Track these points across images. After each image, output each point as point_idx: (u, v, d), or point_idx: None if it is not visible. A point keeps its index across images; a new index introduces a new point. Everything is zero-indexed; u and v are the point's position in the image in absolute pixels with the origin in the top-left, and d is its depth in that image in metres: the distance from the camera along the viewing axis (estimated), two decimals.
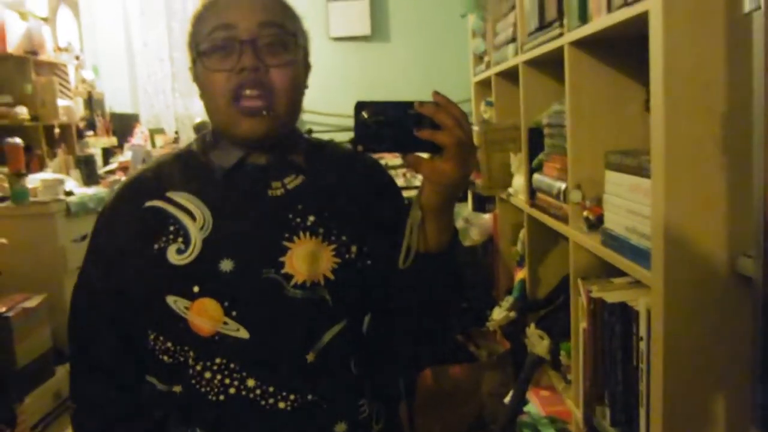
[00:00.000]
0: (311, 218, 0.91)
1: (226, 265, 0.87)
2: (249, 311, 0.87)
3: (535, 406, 1.85)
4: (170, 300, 0.87)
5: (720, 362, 0.98)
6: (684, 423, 1.00)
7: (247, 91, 0.86)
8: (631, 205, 1.10)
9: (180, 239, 0.89)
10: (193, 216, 0.90)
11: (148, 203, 0.92)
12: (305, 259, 0.89)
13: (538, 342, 1.67)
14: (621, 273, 1.22)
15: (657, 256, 0.97)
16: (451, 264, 0.87)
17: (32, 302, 2.20)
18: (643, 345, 1.07)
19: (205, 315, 0.87)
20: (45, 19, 3.59)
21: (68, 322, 0.98)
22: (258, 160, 0.93)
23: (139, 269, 0.90)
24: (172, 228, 0.89)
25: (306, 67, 0.96)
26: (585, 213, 1.35)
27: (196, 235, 0.89)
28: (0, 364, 2.01)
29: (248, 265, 0.88)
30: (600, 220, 1.29)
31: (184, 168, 0.95)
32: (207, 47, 0.88)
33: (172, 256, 0.88)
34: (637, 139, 1.33)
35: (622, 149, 1.21)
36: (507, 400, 1.88)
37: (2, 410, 1.96)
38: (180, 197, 0.91)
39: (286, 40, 0.89)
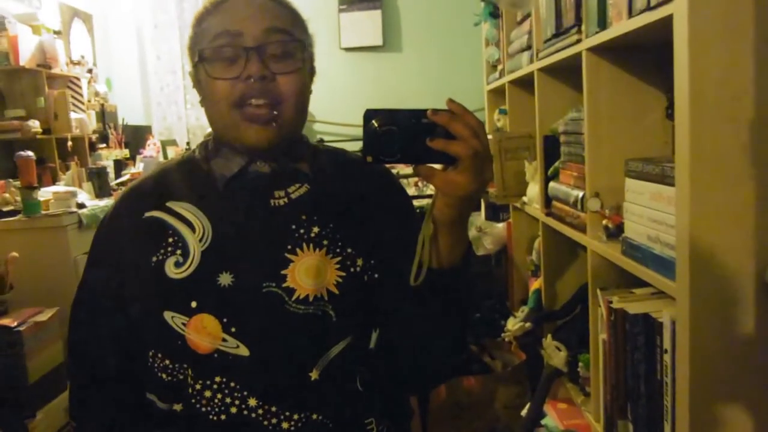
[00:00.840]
0: (315, 229, 0.88)
1: (225, 278, 0.84)
2: (249, 327, 0.84)
3: (552, 419, 1.81)
4: (168, 316, 0.85)
5: (748, 375, 0.95)
6: None
7: (253, 101, 0.83)
8: (653, 213, 1.07)
9: (179, 251, 0.86)
10: (193, 227, 0.87)
11: (148, 214, 0.89)
12: (308, 273, 0.85)
13: (555, 353, 1.64)
14: (640, 283, 1.19)
15: (682, 266, 0.94)
16: (464, 279, 0.83)
17: (44, 316, 2.19)
18: (667, 358, 1.04)
19: (203, 332, 0.84)
20: (58, 33, 3.62)
21: (67, 338, 0.95)
22: (261, 168, 0.90)
23: (137, 283, 0.87)
24: (171, 240, 0.87)
25: (311, 73, 0.93)
26: (604, 221, 1.32)
27: (195, 247, 0.86)
28: (11, 379, 1.99)
29: (248, 279, 0.85)
30: (620, 228, 1.26)
31: (185, 176, 0.92)
32: (210, 54, 0.85)
33: (170, 270, 0.85)
34: (657, 147, 1.31)
35: (642, 157, 1.18)
36: (523, 412, 1.84)
37: (14, 426, 1.95)
38: (180, 207, 0.89)
39: (293, 47, 0.87)
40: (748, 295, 0.92)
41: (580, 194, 1.44)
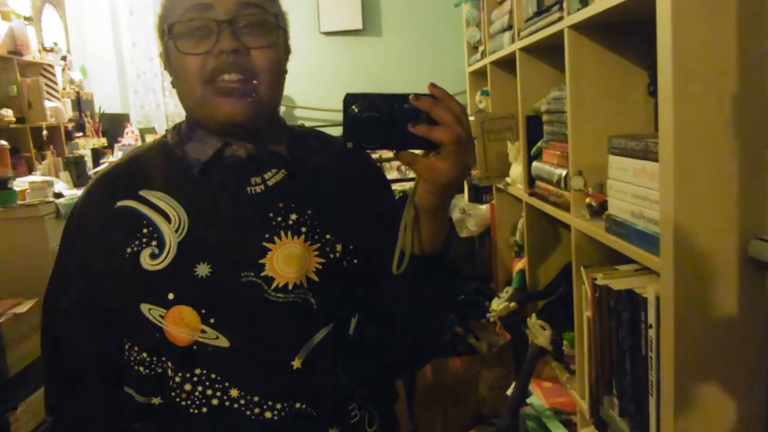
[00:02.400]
0: (293, 217, 0.86)
1: (203, 269, 0.82)
2: (228, 318, 0.82)
3: (538, 398, 1.83)
4: (144, 308, 0.82)
5: (732, 348, 0.96)
6: (695, 412, 0.98)
7: (226, 76, 0.81)
8: (637, 189, 1.07)
9: (154, 242, 0.83)
10: (168, 217, 0.84)
11: (120, 203, 0.86)
12: (287, 261, 0.83)
13: (539, 333, 1.65)
14: (623, 260, 1.20)
15: (666, 241, 0.95)
16: (445, 264, 0.82)
17: (23, 307, 2.16)
18: (652, 333, 1.04)
19: (181, 324, 0.81)
20: (29, 19, 3.53)
21: (41, 331, 0.93)
22: (237, 151, 0.88)
23: (111, 275, 0.85)
24: (145, 230, 0.84)
25: (287, 51, 0.90)
26: (587, 200, 1.32)
27: (171, 238, 0.83)
28: None
29: (226, 269, 0.83)
30: (603, 206, 1.26)
31: (158, 163, 0.89)
32: (180, 29, 0.82)
33: (146, 261, 0.83)
34: (640, 124, 1.31)
35: (625, 134, 1.18)
36: (509, 392, 1.86)
37: None
38: (154, 196, 0.86)
39: (267, 21, 0.84)
40: (732, 268, 0.93)
41: (564, 173, 1.44)
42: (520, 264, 2.05)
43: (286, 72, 0.90)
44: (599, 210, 1.29)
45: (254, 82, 0.82)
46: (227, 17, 0.80)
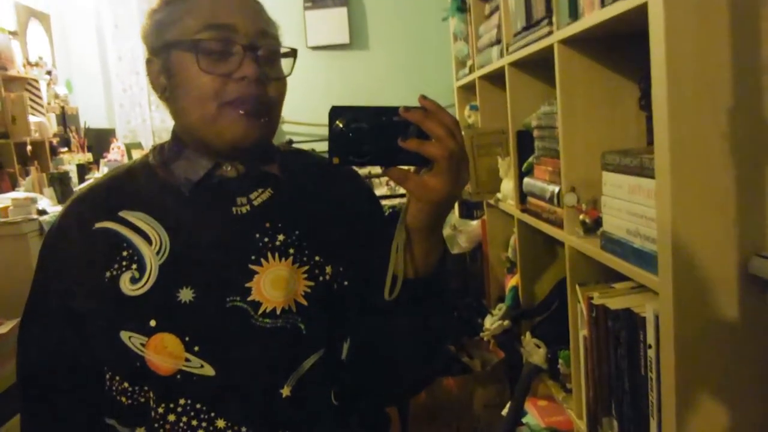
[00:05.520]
0: (280, 237, 0.82)
1: (186, 294, 0.78)
2: (213, 345, 0.78)
3: (533, 416, 1.80)
4: (124, 336, 0.78)
5: (734, 367, 0.94)
6: None
7: (243, 101, 0.79)
8: (632, 207, 1.05)
9: (134, 266, 0.80)
10: (149, 239, 0.81)
11: (99, 224, 0.82)
12: (275, 284, 0.80)
13: (534, 351, 1.62)
14: (617, 277, 1.17)
15: (665, 259, 0.92)
16: (440, 286, 0.79)
17: (4, 328, 2.10)
18: (651, 353, 1.02)
19: (163, 352, 0.77)
20: (13, 33, 3.50)
21: (17, 359, 0.87)
22: (228, 171, 0.85)
23: (89, 301, 0.80)
24: (125, 253, 0.80)
25: None
26: (581, 216, 1.30)
27: (152, 261, 0.80)
28: None
29: (210, 294, 0.79)
30: (597, 223, 1.24)
31: (139, 184, 0.86)
32: (203, 45, 0.78)
33: (126, 286, 0.79)
34: (632, 139, 1.29)
35: (617, 149, 1.16)
36: (504, 411, 1.82)
37: None
38: (134, 217, 0.82)
39: (279, 53, 0.84)
40: (732, 285, 0.91)
41: (556, 189, 1.42)
42: (512, 280, 2.02)
43: None
44: (593, 227, 1.26)
45: (267, 109, 0.81)
46: (250, 43, 0.79)
